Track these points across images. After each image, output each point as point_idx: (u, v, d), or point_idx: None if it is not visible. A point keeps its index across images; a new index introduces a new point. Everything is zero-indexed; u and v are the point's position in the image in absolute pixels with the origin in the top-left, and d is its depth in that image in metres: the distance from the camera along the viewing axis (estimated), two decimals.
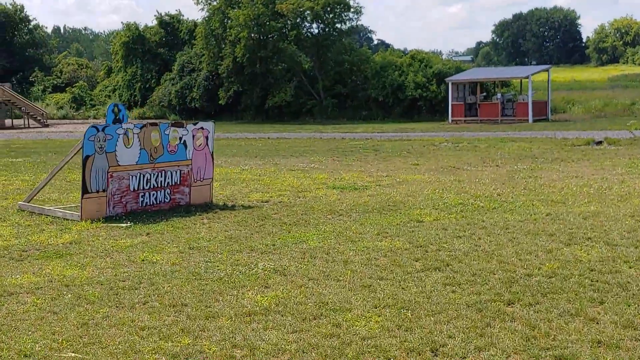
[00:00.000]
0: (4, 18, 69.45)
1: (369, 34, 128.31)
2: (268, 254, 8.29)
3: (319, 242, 8.84)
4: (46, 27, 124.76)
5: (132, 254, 8.45)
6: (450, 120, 42.66)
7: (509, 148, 23.53)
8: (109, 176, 11.07)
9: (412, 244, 8.61)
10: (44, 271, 7.59)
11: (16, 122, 55.11)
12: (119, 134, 11.18)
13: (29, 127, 52.06)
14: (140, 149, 11.53)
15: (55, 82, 69.28)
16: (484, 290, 6.44)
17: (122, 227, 10.37)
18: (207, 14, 55.19)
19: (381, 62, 52.06)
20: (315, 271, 7.28)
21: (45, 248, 8.89)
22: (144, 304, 6.24)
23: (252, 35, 53.47)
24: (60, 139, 34.48)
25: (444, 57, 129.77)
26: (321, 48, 53.48)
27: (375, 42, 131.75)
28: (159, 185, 11.88)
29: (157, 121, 11.86)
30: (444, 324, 5.52)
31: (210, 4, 55.16)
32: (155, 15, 66.53)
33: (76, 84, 66.28)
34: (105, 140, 10.96)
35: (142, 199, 11.64)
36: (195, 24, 61.21)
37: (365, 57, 53.11)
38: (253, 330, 5.44)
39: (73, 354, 4.89)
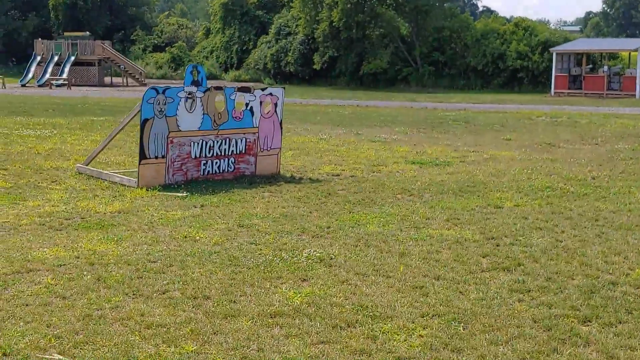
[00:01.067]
0: None
1: (474, 1, 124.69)
2: (319, 238, 7.48)
3: (379, 227, 7.96)
4: None
5: (176, 229, 7.81)
6: (552, 93, 40.60)
7: (611, 125, 21.86)
8: (169, 142, 10.47)
9: (483, 235, 7.62)
10: (77, 244, 7.03)
11: (115, 80, 55.99)
12: (181, 97, 10.54)
13: (127, 86, 52.75)
14: (204, 114, 10.88)
15: (156, 42, 69.95)
16: (557, 301, 5.44)
17: (178, 196, 9.77)
18: None
19: (482, 29, 50.00)
20: (365, 264, 6.43)
21: (90, 217, 8.36)
22: (163, 293, 5.55)
23: None
24: None
25: (551, 26, 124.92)
26: (420, 13, 51.77)
27: (481, 9, 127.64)
28: (223, 154, 11.22)
29: (222, 85, 11.06)
30: (501, 346, 4.58)
31: None
32: None
33: (175, 44, 66.73)
34: (165, 104, 10.34)
35: (204, 167, 11.00)
36: None
37: (465, 24, 51.11)
38: (272, 337, 4.65)
39: (58, 357, 4.23)
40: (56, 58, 51.70)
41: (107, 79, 55.64)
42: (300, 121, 22.11)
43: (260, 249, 6.92)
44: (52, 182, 10.44)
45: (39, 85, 48.80)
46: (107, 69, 56.46)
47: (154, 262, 6.43)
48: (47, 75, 49.85)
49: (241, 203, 9.41)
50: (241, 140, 11.45)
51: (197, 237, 7.45)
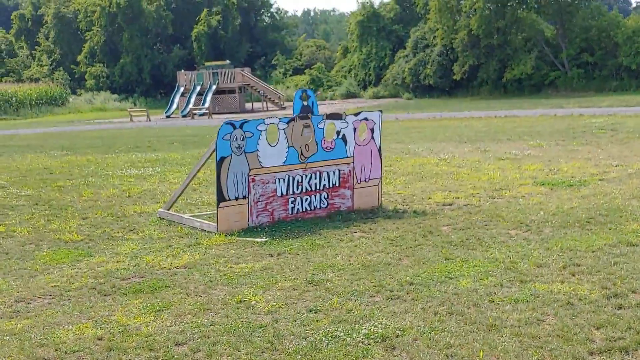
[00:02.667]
0: (246, 3, 71.75)
1: None
2: (394, 300, 6.11)
3: (474, 282, 6.49)
4: (296, 11, 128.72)
5: (235, 289, 6.70)
6: None
7: None
8: (251, 180, 9.44)
9: (605, 291, 5.99)
10: (111, 317, 6.06)
11: (256, 105, 56.50)
12: (261, 131, 9.48)
13: (267, 110, 53.03)
14: (288, 146, 9.77)
15: (296, 65, 70.45)
16: None
17: (257, 242, 8.69)
18: None
19: (634, 26, 46.36)
20: (439, 343, 5.00)
21: (150, 275, 7.41)
22: None
23: (489, 4, 50.19)
24: None
25: None
26: (565, 14, 48.81)
27: (634, 4, 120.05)
28: (313, 189, 10.06)
29: (308, 114, 9.90)
30: None
31: None
32: None
33: (314, 66, 66.83)
34: (244, 139, 9.32)
35: (293, 205, 9.88)
36: None
37: (615, 22, 47.62)
38: None
39: None
40: (198, 88, 52.78)
41: (248, 105, 56.23)
42: (425, 139, 20.64)
43: (316, 321, 5.66)
44: (130, 231, 9.66)
45: (183, 116, 49.90)
46: (248, 95, 57.10)
47: (182, 344, 5.33)
48: (190, 106, 50.91)
49: (323, 249, 8.19)
50: (334, 173, 10.24)
51: (254, 302, 6.30)
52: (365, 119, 10.59)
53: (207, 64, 58.35)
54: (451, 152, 17.28)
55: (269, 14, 75.67)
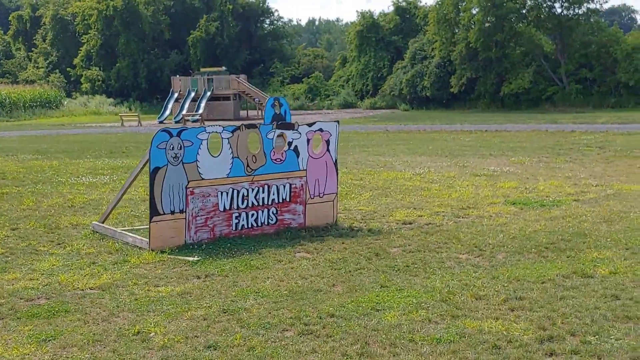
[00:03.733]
0: (246, 10, 71.23)
1: (631, 14, 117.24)
2: (307, 335, 5.42)
3: (401, 315, 5.79)
4: (300, 20, 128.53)
5: (139, 318, 6.02)
6: None
7: None
8: (189, 193, 8.76)
9: (542, 330, 5.29)
10: None
11: (251, 112, 55.85)
12: (201, 140, 8.81)
13: (261, 118, 52.28)
14: (233, 157, 9.10)
15: (293, 73, 69.82)
16: None
17: (189, 261, 8.01)
18: None
19: (634, 42, 45.72)
20: None
21: (58, 297, 6.72)
22: None
23: (488, 18, 49.59)
24: None
25: None
26: (565, 29, 48.15)
27: None
28: (261, 204, 9.38)
29: (256, 122, 9.24)
30: None
31: None
32: (392, 1, 64.55)
33: (312, 75, 66.23)
34: (181, 148, 8.64)
35: (237, 220, 9.19)
36: None
37: (615, 38, 46.97)
38: None
39: None
40: (193, 94, 52.16)
41: (243, 113, 55.58)
42: (406, 152, 19.95)
43: None
44: (58, 244, 8.97)
45: (176, 122, 49.25)
46: (244, 103, 56.49)
47: None
48: (184, 112, 50.26)
49: (256, 271, 7.49)
50: (284, 187, 9.56)
51: (152, 334, 5.62)
52: (320, 129, 9.93)
53: (202, 70, 57.77)
54: (429, 166, 16.59)
55: (269, 22, 75.11)
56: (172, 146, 8.57)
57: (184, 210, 8.73)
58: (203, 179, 8.84)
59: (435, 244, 8.58)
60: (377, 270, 7.36)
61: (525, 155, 18.51)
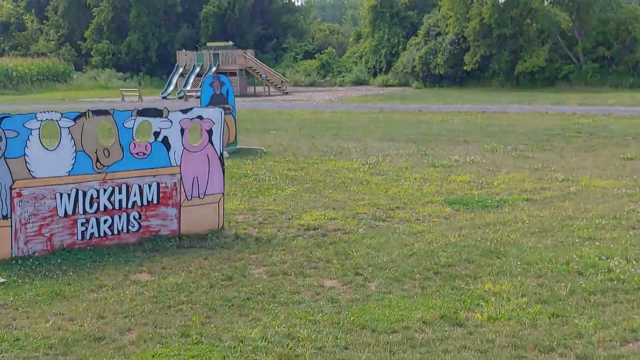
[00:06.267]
0: None
1: None
2: None
3: None
4: None
5: None
6: None
7: None
8: (15, 195, 7.22)
9: None
10: None
11: (259, 89, 54.20)
12: (31, 130, 7.25)
13: (269, 95, 50.86)
14: (77, 151, 7.53)
15: (307, 49, 67.86)
16: None
17: None
18: None
19: None
20: None
21: None
22: None
23: None
24: (268, 110, 31.79)
25: None
26: (582, 5, 45.68)
27: None
28: (117, 207, 7.82)
29: (109, 108, 7.61)
30: None
31: None
32: None
33: (325, 51, 64.26)
34: (2, 140, 7.10)
35: (84, 228, 7.65)
36: None
37: (634, 15, 44.45)
38: None
39: None
40: (198, 69, 50.63)
41: (250, 89, 53.96)
42: (378, 137, 18.21)
43: None
44: None
45: (179, 97, 47.89)
46: (252, 79, 54.86)
47: None
48: (188, 87, 48.83)
49: (59, 301, 5.99)
50: (150, 186, 7.99)
51: None
52: (200, 117, 8.32)
53: (208, 44, 56.19)
54: (387, 154, 14.91)
55: None
56: None
57: (9, 216, 7.20)
58: (34, 177, 7.29)
59: (313, 263, 7.02)
60: (204, 306, 5.81)
61: (503, 142, 16.71)
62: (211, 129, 8.36)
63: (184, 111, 8.23)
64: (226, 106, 14.82)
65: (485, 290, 5.89)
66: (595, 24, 44.98)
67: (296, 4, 75.83)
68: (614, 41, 44.58)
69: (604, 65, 44.96)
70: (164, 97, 48.77)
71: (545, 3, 47.26)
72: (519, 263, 6.70)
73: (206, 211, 8.39)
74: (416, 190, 11.01)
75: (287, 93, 51.13)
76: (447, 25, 52.17)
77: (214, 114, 8.38)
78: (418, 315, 5.35)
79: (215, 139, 8.40)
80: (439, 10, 54.32)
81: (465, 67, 50.13)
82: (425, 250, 7.29)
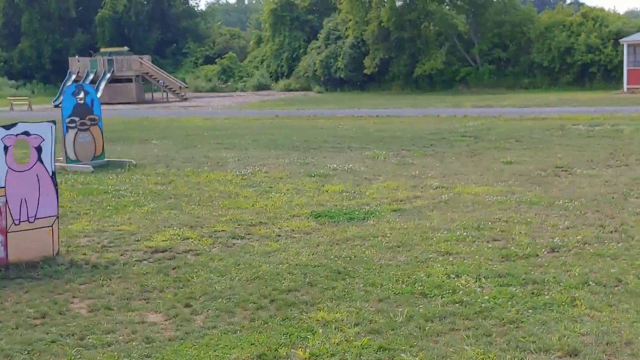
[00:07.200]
0: None
1: None
2: None
3: None
4: None
5: None
6: (625, 88, 34.82)
7: None
8: None
9: None
10: None
11: (157, 95, 52.88)
12: None
13: (168, 101, 49.72)
14: None
15: (208, 53, 66.80)
16: None
17: None
18: None
19: (547, 22, 44.22)
20: None
21: None
22: None
23: None
24: (160, 118, 30.79)
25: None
26: (478, 7, 46.45)
27: (569, 1, 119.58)
28: None
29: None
30: None
31: None
32: None
33: (225, 55, 63.37)
34: None
35: None
36: None
37: (528, 17, 45.46)
38: None
39: None
40: (91, 76, 49.01)
41: (148, 95, 52.57)
42: (261, 146, 17.63)
43: None
44: None
45: (55, 106, 46.16)
46: (149, 85, 53.47)
47: None
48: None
49: None
50: None
51: None
52: (26, 133, 7.53)
53: (102, 50, 54.54)
54: (266, 164, 14.35)
55: (182, 1, 71.77)
56: None
57: None
58: None
59: (145, 293, 6.39)
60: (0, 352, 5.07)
61: (383, 148, 16.38)
62: (40, 146, 7.59)
63: (7, 127, 7.43)
64: (91, 116, 14.01)
65: (318, 320, 5.36)
66: (491, 26, 45.80)
67: (197, 8, 74.58)
68: (509, 43, 45.51)
69: (500, 66, 45.87)
70: (56, 106, 46.98)
71: (443, 6, 47.80)
72: (362, 285, 6.22)
73: (38, 236, 7.61)
74: (285, 203, 10.48)
75: (185, 99, 50.06)
76: (346, 28, 52.20)
77: (42, 129, 7.62)
78: (234, 355, 4.78)
79: (45, 156, 7.63)
80: (339, 14, 54.31)
81: (365, 71, 50.26)
82: (271, 273, 6.74)
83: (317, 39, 55.78)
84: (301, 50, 58.21)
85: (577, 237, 7.82)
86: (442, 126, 21.34)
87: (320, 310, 5.59)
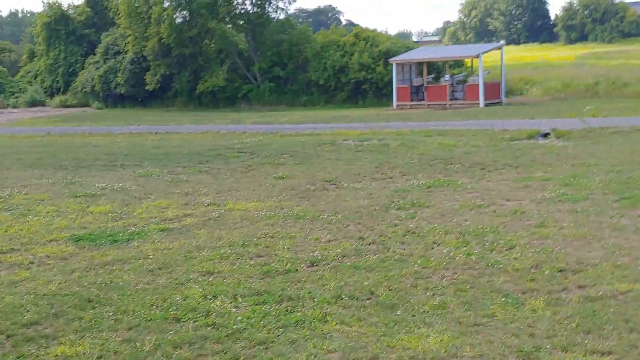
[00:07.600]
0: None
1: (337, 15, 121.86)
2: None
3: None
4: (1, 11, 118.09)
5: None
6: (395, 105, 36.70)
7: (426, 147, 17.52)
8: None
9: None
10: None
11: None
12: None
13: None
14: None
15: None
16: None
17: None
18: None
19: (322, 41, 45.71)
20: None
21: None
22: None
23: (179, 13, 47.24)
24: None
25: (414, 37, 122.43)
26: (257, 27, 47.11)
27: (344, 22, 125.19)
28: None
29: None
30: None
31: None
32: None
33: None
34: None
35: None
36: None
37: (305, 37, 46.77)
38: None
39: None
40: None
41: None
42: (28, 165, 16.60)
43: None
44: None
45: None
46: None
47: None
48: None
49: None
50: None
51: None
52: None
53: None
54: (27, 185, 13.52)
55: None
56: None
57: None
58: None
59: None
60: None
61: (162, 165, 16.04)
62: None
63: None
64: None
65: (57, 355, 5.01)
66: (270, 45, 46.56)
67: None
68: (288, 61, 46.48)
69: (280, 84, 46.71)
70: None
71: (223, 24, 47.95)
72: (112, 314, 5.91)
73: None
74: (43, 226, 9.88)
75: None
76: (126, 43, 50.89)
77: None
78: None
79: None
80: (117, 29, 52.86)
81: (147, 87, 49.26)
82: (14, 306, 6.24)
83: (95, 54, 53.95)
84: (78, 65, 56.01)
85: (337, 250, 7.99)
86: (220, 142, 21.29)
87: (61, 345, 5.23)
